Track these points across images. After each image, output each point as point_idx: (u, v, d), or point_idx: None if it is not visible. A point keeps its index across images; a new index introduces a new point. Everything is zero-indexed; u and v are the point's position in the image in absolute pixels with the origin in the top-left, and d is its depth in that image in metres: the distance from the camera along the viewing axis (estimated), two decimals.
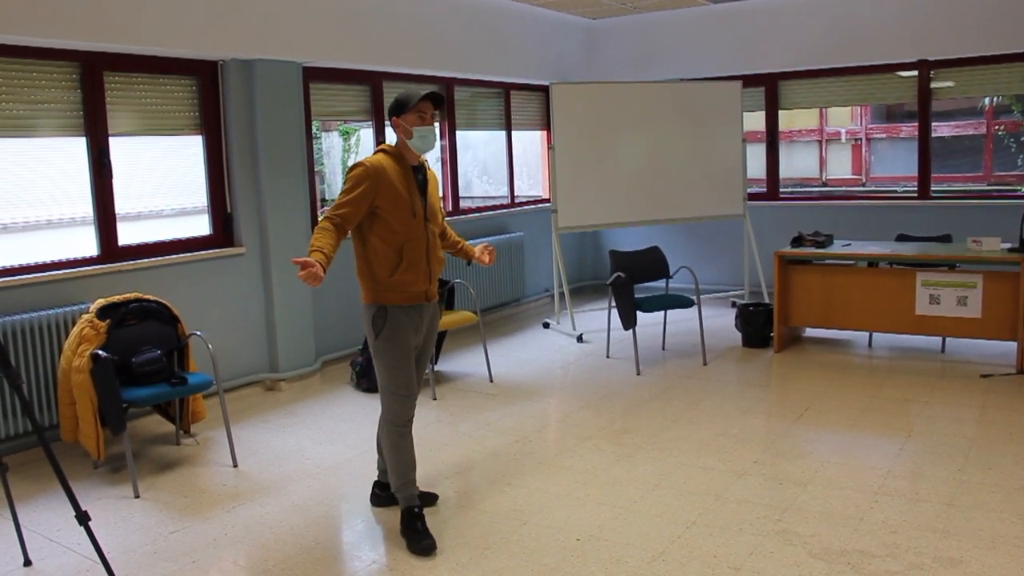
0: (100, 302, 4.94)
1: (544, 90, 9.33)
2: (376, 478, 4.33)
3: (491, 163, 10.46)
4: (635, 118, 8.34)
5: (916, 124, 8.50)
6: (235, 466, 4.90)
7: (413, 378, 3.93)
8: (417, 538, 3.80)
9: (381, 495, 4.26)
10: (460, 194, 8.54)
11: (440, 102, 3.91)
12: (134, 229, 5.83)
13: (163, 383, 4.79)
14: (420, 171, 3.94)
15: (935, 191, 8.51)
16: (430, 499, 4.24)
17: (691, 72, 9.17)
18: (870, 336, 7.27)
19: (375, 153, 3.90)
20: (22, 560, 3.77)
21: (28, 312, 5.00)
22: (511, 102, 9.01)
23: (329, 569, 3.68)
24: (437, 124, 3.95)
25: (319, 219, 3.76)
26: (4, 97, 5.05)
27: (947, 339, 6.94)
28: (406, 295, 3.83)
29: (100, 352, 4.60)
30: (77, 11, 5.06)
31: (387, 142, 3.98)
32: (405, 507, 3.92)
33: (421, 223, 3.83)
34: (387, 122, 3.96)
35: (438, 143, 4.02)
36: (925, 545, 3.64)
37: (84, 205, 5.53)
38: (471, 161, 10.62)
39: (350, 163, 12.26)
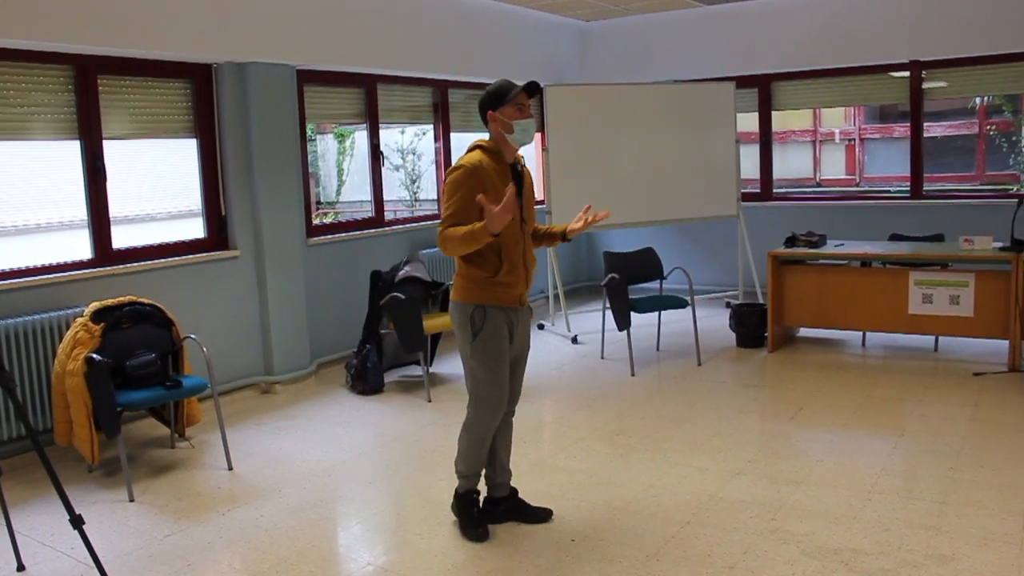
0: (94, 305, 4.94)
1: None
2: (486, 493, 4.11)
3: None
4: (629, 119, 8.35)
5: (909, 124, 8.53)
6: (230, 469, 4.91)
7: (507, 382, 3.84)
8: (472, 524, 3.90)
9: (493, 512, 4.06)
10: None
11: (536, 93, 3.78)
12: (128, 232, 5.83)
13: (157, 386, 4.79)
14: (515, 167, 3.82)
15: (928, 191, 8.54)
16: (547, 513, 4.09)
17: (684, 73, 9.19)
18: (863, 336, 7.29)
19: (470, 151, 3.78)
20: (15, 565, 3.76)
21: (22, 316, 5.00)
22: None
23: (324, 572, 3.69)
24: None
25: (438, 237, 3.64)
26: None
27: (940, 338, 6.96)
28: (505, 297, 3.75)
29: (94, 355, 4.60)
30: (70, 14, 5.06)
31: (482, 139, 3.84)
32: (464, 491, 3.96)
33: (518, 225, 3.73)
34: (480, 119, 3.85)
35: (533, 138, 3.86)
36: (917, 543, 3.66)
37: (78, 208, 5.54)
38: None
39: (345, 166, 12.29)
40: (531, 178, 3.99)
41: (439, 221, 3.71)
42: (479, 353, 3.75)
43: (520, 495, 4.13)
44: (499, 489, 4.08)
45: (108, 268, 5.50)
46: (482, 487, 4.06)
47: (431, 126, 8.38)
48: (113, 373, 4.66)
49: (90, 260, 5.51)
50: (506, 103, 3.71)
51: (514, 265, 3.74)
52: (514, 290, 3.77)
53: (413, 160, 11.66)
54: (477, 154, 3.74)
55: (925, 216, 8.14)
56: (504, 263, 3.70)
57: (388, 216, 7.85)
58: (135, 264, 5.65)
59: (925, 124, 8.52)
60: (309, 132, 7.51)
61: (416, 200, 11.63)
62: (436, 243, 3.72)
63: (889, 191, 10.99)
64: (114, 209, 5.62)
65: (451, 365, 6.99)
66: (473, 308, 3.72)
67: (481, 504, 4.08)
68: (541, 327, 8.33)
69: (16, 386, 4.84)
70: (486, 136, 3.83)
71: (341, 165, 12.43)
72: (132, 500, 4.49)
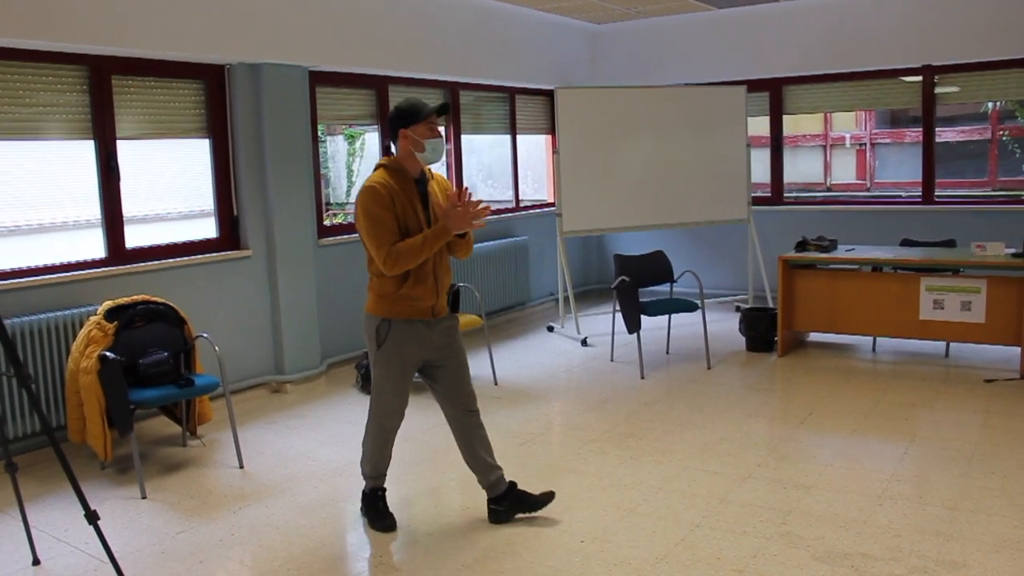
0: (108, 304, 4.97)
1: (549, 94, 9.35)
2: (487, 496, 4.12)
3: (496, 167, 10.48)
4: (640, 122, 8.36)
5: (920, 129, 8.52)
6: (241, 467, 4.93)
7: (407, 391, 4.00)
8: (380, 517, 4.08)
9: (499, 510, 4.08)
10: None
11: (446, 113, 3.94)
12: (141, 232, 5.86)
13: (170, 385, 4.82)
14: (421, 183, 3.88)
15: (939, 196, 8.52)
16: (548, 496, 4.13)
17: (696, 77, 9.20)
18: (874, 341, 7.28)
19: (374, 171, 3.85)
20: (31, 559, 3.80)
21: (37, 314, 5.03)
22: (516, 106, 9.04)
23: (335, 570, 3.71)
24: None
25: (385, 261, 3.67)
26: (13, 100, 5.09)
27: (951, 344, 6.95)
28: (412, 310, 3.84)
29: (108, 353, 4.63)
30: (86, 15, 5.09)
31: (385, 156, 3.94)
32: (370, 490, 4.14)
33: None
34: (390, 134, 3.89)
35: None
36: (928, 549, 3.66)
37: (92, 208, 5.57)
38: (475, 165, 10.65)
39: (355, 167, 12.32)
40: (442, 185, 4.00)
41: (371, 246, 3.72)
42: (381, 364, 3.92)
43: (519, 487, 4.14)
44: (496, 488, 4.09)
45: (121, 267, 5.53)
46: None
47: (441, 128, 8.41)
48: (126, 371, 4.68)
49: (103, 259, 5.54)
50: (419, 122, 3.79)
51: (421, 278, 3.81)
52: (421, 303, 3.85)
53: None
54: (380, 173, 3.82)
55: (937, 221, 8.13)
56: (411, 276, 3.79)
57: None
58: (148, 263, 5.68)
59: (937, 129, 8.51)
60: (320, 133, 7.53)
61: None
62: (383, 266, 3.69)
63: (900, 196, 10.98)
64: (127, 208, 5.65)
65: None
66: (379, 321, 3.86)
67: (486, 506, 4.12)
68: (551, 329, 8.34)
69: (33, 383, 4.88)
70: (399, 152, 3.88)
71: (351, 166, 12.45)
72: (144, 497, 4.52)
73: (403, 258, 3.68)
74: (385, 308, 3.85)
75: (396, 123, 3.83)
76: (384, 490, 4.16)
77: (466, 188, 3.88)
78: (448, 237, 3.74)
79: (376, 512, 4.10)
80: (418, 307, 3.85)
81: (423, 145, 3.78)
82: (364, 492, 4.18)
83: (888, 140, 17.08)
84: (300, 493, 4.53)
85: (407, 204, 3.78)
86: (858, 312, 6.87)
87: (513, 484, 4.13)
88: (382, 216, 3.70)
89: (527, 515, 4.09)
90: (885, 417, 5.47)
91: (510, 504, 4.08)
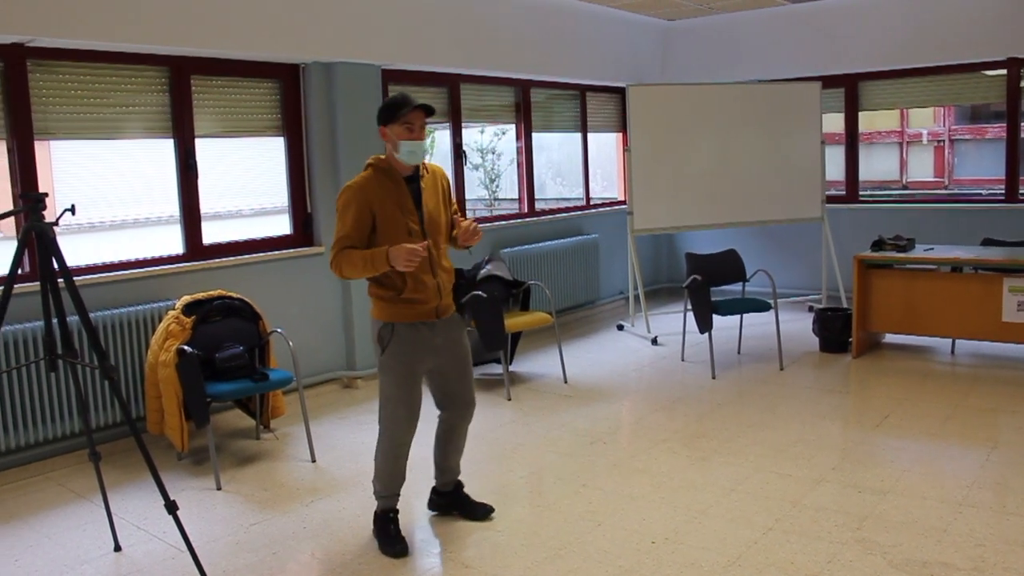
0: (186, 299, 5.09)
1: (620, 92, 9.29)
2: (433, 485, 4.23)
3: (565, 165, 10.47)
4: (712, 120, 8.27)
5: (1003, 125, 8.26)
6: (313, 461, 5.00)
7: (416, 400, 3.81)
8: (390, 542, 3.85)
9: (440, 502, 4.21)
10: (535, 196, 8.56)
11: (431, 112, 3.68)
12: (218, 228, 5.98)
13: (245, 379, 4.90)
14: (414, 180, 3.74)
15: None
16: (486, 511, 4.16)
17: (769, 73, 9.05)
18: (953, 343, 7.08)
19: (364, 170, 3.72)
20: (113, 545, 3.91)
21: (117, 308, 5.17)
22: (587, 104, 9.01)
23: (404, 564, 3.73)
24: (431, 136, 3.73)
25: (332, 260, 3.66)
26: (97, 100, 5.24)
27: None
28: (415, 313, 3.72)
29: (185, 347, 4.73)
30: (167, 17, 5.21)
31: (377, 155, 3.79)
32: (380, 511, 3.94)
33: (419, 240, 3.65)
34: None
35: (427, 154, 3.80)
36: (1014, 560, 3.54)
37: (171, 205, 5.70)
38: (545, 163, 10.65)
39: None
40: (442, 184, 3.87)
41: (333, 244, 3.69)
42: (385, 369, 3.78)
43: (465, 490, 4.22)
44: (445, 486, 4.20)
45: (199, 263, 5.65)
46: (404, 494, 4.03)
47: (512, 125, 8.41)
48: (203, 365, 4.78)
49: (182, 255, 5.67)
50: (395, 121, 3.61)
51: (420, 281, 3.69)
52: (425, 305, 3.74)
53: (492, 159, 11.72)
54: (367, 173, 3.69)
55: (1021, 220, 7.87)
56: (408, 280, 3.66)
57: (468, 215, 7.90)
58: (225, 259, 5.79)
59: (1022, 124, 8.22)
60: None
61: (495, 199, 11.69)
62: (329, 264, 3.69)
63: (981, 194, 10.68)
64: (204, 205, 5.76)
65: (531, 364, 7.01)
66: (381, 325, 3.75)
67: (435, 496, 4.23)
68: (621, 328, 8.29)
69: (116, 374, 5.02)
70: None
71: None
72: (219, 488, 4.61)
73: (345, 266, 3.61)
74: (386, 312, 3.73)
75: (377, 119, 3.68)
76: (396, 512, 3.94)
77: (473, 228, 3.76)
78: (386, 267, 3.54)
79: (387, 536, 3.87)
80: (422, 310, 3.73)
81: (398, 146, 3.63)
82: (375, 512, 3.96)
83: (967, 136, 16.63)
84: (370, 488, 4.55)
85: (393, 206, 3.64)
86: (937, 313, 6.69)
87: (460, 485, 4.21)
88: (344, 217, 3.61)
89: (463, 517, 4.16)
90: (965, 422, 5.32)
91: (451, 502, 4.18)
